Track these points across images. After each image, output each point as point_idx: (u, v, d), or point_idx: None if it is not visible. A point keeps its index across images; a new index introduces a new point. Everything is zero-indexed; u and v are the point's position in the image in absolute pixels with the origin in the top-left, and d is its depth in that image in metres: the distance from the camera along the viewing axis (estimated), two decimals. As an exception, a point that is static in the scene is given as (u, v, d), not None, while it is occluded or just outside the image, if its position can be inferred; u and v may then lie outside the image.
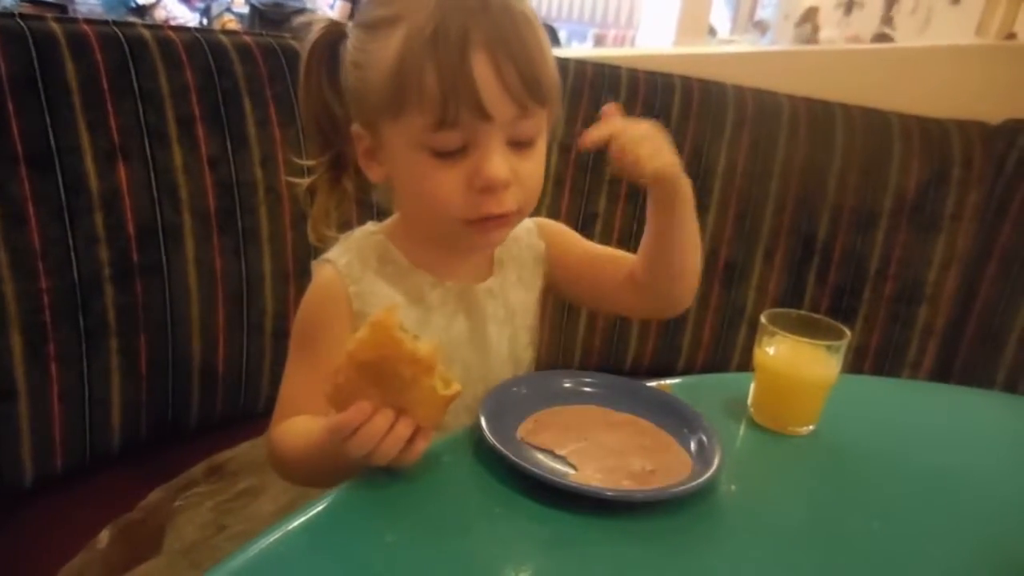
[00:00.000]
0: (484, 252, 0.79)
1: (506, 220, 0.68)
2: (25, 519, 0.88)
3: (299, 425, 0.66)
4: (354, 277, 0.72)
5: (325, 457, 0.59)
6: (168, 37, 0.99)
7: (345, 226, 0.78)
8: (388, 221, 0.78)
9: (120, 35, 0.94)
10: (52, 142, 0.88)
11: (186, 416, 1.05)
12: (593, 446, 0.64)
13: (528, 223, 0.84)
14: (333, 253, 0.74)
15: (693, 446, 0.66)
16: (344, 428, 0.55)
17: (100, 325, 0.93)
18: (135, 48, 0.95)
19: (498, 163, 0.64)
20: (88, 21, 0.94)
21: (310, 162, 0.77)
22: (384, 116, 0.66)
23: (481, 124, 0.63)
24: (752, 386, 0.77)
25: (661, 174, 0.68)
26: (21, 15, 0.87)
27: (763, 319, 0.76)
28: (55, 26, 0.90)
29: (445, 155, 0.64)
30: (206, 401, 1.06)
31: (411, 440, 0.57)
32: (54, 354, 0.90)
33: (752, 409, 0.77)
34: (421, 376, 0.55)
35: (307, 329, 0.72)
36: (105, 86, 0.92)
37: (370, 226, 0.77)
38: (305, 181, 0.77)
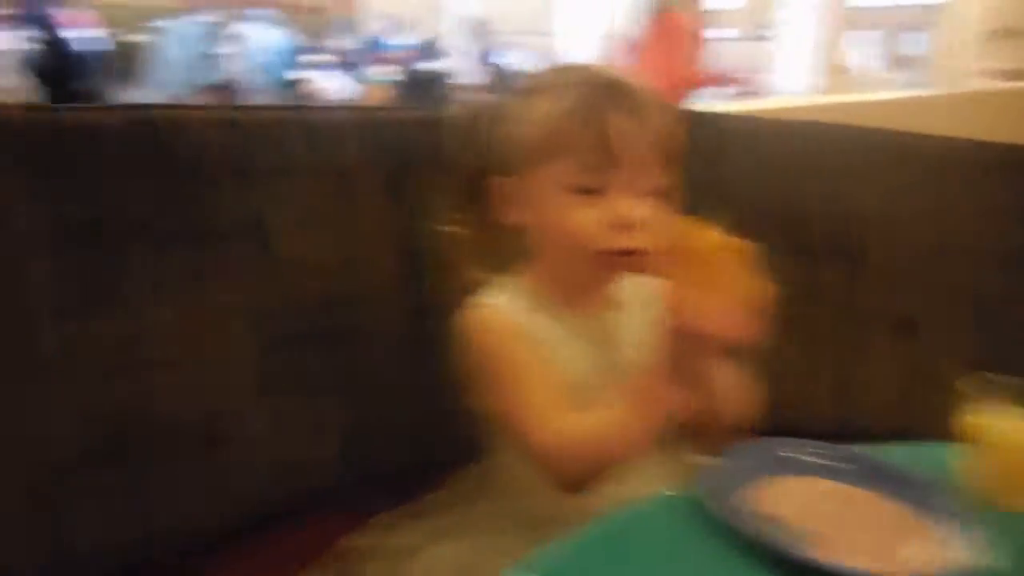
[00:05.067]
0: (606, 291, 0.85)
1: (635, 259, 0.77)
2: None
3: (595, 412, 0.73)
4: (514, 312, 0.81)
5: (632, 423, 0.69)
6: None
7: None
8: (514, 275, 0.85)
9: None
10: None
11: None
12: (831, 521, 0.62)
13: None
14: (485, 299, 0.82)
15: (943, 527, 0.63)
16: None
17: None
18: None
19: (632, 204, 0.76)
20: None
21: (457, 215, 0.88)
22: (531, 165, 0.79)
23: (620, 172, 0.76)
24: (973, 462, 0.73)
25: None
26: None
27: (970, 389, 0.72)
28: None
29: (587, 195, 0.76)
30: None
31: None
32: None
33: (979, 486, 0.71)
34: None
35: (497, 349, 0.79)
36: None
37: (500, 279, 0.85)
38: (452, 230, 0.88)
